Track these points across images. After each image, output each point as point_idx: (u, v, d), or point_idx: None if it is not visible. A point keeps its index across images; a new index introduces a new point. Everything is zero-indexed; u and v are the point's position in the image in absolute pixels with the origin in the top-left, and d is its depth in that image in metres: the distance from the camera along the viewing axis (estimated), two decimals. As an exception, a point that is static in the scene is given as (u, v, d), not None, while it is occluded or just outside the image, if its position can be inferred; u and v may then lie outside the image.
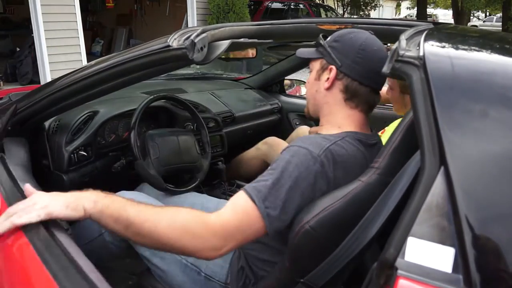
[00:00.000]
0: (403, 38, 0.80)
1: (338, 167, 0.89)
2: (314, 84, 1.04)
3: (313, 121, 2.19)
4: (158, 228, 0.79)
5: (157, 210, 0.83)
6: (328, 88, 1.00)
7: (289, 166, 0.86)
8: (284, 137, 1.87)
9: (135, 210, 0.81)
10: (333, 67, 0.99)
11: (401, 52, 0.74)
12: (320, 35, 1.05)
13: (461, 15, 17.08)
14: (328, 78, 0.99)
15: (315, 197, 0.86)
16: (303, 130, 1.88)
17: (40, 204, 0.80)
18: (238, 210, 0.82)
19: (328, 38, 1.03)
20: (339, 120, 1.00)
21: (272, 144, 1.78)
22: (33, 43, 5.49)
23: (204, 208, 1.10)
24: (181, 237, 0.79)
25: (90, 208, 0.81)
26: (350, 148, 0.93)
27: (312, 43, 1.46)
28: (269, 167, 0.90)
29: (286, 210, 0.83)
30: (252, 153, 1.86)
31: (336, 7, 15.93)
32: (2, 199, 0.96)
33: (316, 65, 1.04)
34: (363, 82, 0.97)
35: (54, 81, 1.23)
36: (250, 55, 2.35)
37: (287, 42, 1.68)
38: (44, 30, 5.29)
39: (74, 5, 5.61)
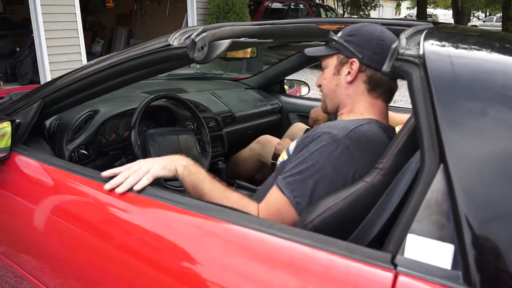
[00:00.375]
0: (403, 37, 0.80)
1: (364, 149, 0.90)
2: (333, 79, 1.05)
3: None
4: None
5: (225, 194, 0.95)
6: (351, 82, 1.02)
7: (312, 155, 0.91)
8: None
9: (209, 187, 0.96)
10: (355, 60, 1.00)
11: (401, 51, 0.74)
12: (331, 31, 1.07)
13: (461, 15, 17.08)
14: (349, 72, 1.01)
15: (347, 180, 0.89)
16: (298, 126, 1.88)
17: (144, 169, 0.93)
18: (272, 204, 0.92)
19: (340, 34, 1.05)
20: (362, 108, 1.02)
21: (265, 143, 1.78)
22: (33, 43, 5.49)
23: None
24: None
25: (180, 171, 0.97)
26: (376, 131, 0.94)
27: (312, 42, 1.46)
28: (296, 155, 0.94)
29: (315, 197, 0.89)
30: (246, 153, 1.87)
31: (336, 7, 15.93)
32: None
33: (332, 61, 1.06)
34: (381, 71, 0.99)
35: (54, 81, 1.23)
36: (249, 55, 2.35)
37: (287, 42, 1.68)
38: (44, 30, 5.29)
39: (74, 5, 5.61)
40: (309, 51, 1.12)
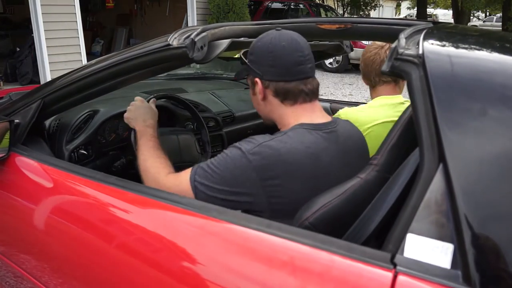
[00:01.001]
0: (402, 36, 0.80)
1: (275, 165, 0.89)
2: (254, 100, 1.07)
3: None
4: (147, 181, 1.08)
5: (151, 160, 1.09)
6: (263, 99, 1.02)
7: (222, 158, 0.93)
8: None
9: (146, 160, 1.10)
10: (257, 79, 1.00)
11: (401, 51, 0.74)
12: (241, 53, 1.07)
13: (461, 15, 17.08)
14: (259, 90, 1.01)
15: (243, 188, 0.90)
16: None
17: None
18: (179, 180, 0.98)
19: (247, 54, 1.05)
20: (288, 119, 1.01)
21: None
22: (33, 43, 5.50)
23: None
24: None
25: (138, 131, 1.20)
26: (293, 140, 0.92)
27: (312, 42, 1.46)
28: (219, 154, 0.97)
29: (211, 188, 0.91)
30: None
31: (336, 7, 15.93)
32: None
33: (249, 83, 1.07)
34: (287, 79, 0.98)
35: (53, 81, 1.23)
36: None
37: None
38: (44, 30, 5.30)
39: (74, 5, 5.61)
40: (236, 75, 1.14)
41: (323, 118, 1.02)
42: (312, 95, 1.01)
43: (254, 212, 0.90)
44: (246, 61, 1.03)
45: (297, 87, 0.98)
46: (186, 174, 0.96)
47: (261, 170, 0.89)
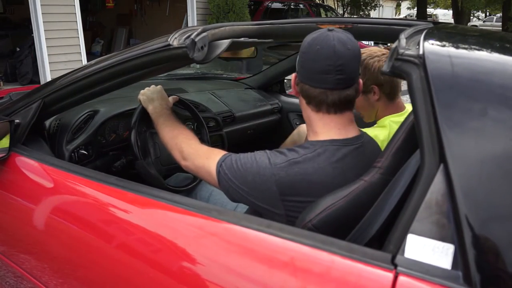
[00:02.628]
0: (402, 37, 0.80)
1: (296, 189, 0.89)
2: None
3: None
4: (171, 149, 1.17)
5: (179, 131, 1.19)
6: (296, 93, 1.03)
7: (252, 160, 0.93)
8: (284, 137, 1.86)
9: (169, 135, 1.18)
10: (294, 74, 1.02)
11: (401, 51, 0.74)
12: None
13: (461, 15, 17.08)
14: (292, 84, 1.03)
15: (262, 196, 0.91)
16: (303, 128, 1.87)
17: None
18: (210, 152, 1.04)
19: None
20: (316, 127, 0.99)
21: (302, 132, 1.77)
22: (33, 43, 5.49)
23: (212, 197, 1.47)
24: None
25: (150, 110, 1.29)
26: (321, 160, 0.91)
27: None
28: (250, 153, 0.98)
29: (232, 182, 0.94)
30: (288, 141, 1.85)
31: (336, 7, 15.93)
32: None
33: None
34: (312, 85, 0.95)
35: (53, 81, 1.23)
36: (244, 55, 2.33)
37: (287, 42, 1.69)
38: (44, 30, 5.30)
39: (74, 5, 5.61)
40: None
41: (353, 131, 0.99)
42: (337, 107, 0.96)
43: (270, 216, 0.91)
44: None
45: (320, 96, 0.95)
46: (218, 154, 0.99)
47: (283, 186, 0.89)
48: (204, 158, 1.03)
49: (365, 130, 1.35)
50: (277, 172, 0.89)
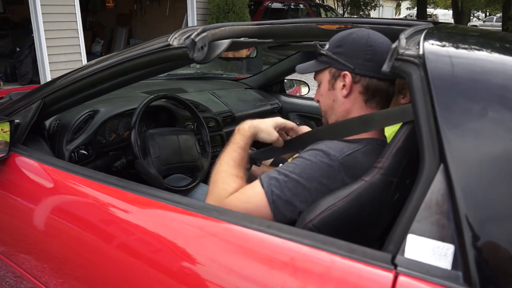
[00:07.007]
0: (402, 37, 0.80)
1: (355, 175, 0.87)
2: (329, 95, 1.00)
3: (313, 120, 2.20)
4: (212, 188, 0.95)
5: (223, 168, 0.97)
6: (347, 95, 0.97)
7: (304, 164, 0.88)
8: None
9: (219, 171, 0.96)
10: (347, 72, 0.96)
11: (401, 51, 0.74)
12: (318, 45, 1.03)
13: (461, 15, 17.07)
14: (344, 85, 0.97)
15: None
16: (303, 130, 1.87)
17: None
18: (247, 193, 0.89)
19: (327, 46, 1.00)
20: None
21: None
22: (33, 43, 5.49)
23: None
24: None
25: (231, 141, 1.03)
26: (366, 161, 0.90)
27: (312, 43, 1.46)
28: (289, 162, 0.93)
29: (293, 203, 0.86)
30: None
31: (336, 7, 15.93)
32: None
33: (324, 76, 1.01)
34: (381, 77, 0.95)
35: (53, 81, 1.23)
36: (244, 55, 2.33)
37: (287, 42, 1.68)
38: (44, 30, 5.29)
39: (74, 5, 5.61)
40: (300, 69, 1.08)
41: (383, 133, 1.01)
42: (389, 103, 0.99)
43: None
44: (328, 53, 0.98)
45: (387, 88, 0.96)
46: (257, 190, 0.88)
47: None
48: (239, 194, 0.91)
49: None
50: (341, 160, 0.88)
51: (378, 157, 0.90)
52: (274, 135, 1.02)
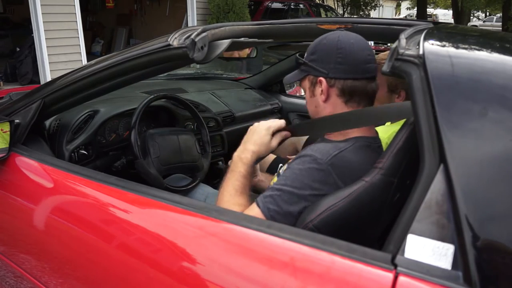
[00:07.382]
0: (402, 37, 0.80)
1: (346, 175, 0.89)
2: (312, 101, 1.04)
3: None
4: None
5: (228, 190, 0.99)
6: (326, 100, 1.00)
7: (294, 174, 0.90)
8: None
9: (222, 202, 0.98)
10: (322, 78, 0.98)
11: (401, 51, 0.74)
12: (297, 55, 1.05)
13: (461, 15, 17.07)
14: (322, 91, 0.99)
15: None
16: None
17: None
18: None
19: (305, 55, 1.03)
20: None
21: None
22: (33, 43, 5.49)
23: (208, 200, 1.45)
24: None
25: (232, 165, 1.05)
26: (359, 156, 0.92)
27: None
28: (280, 175, 0.95)
29: (292, 213, 0.88)
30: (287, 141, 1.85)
31: (336, 7, 15.92)
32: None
33: (305, 84, 1.04)
34: (355, 77, 0.96)
35: (53, 81, 1.23)
36: (246, 55, 2.33)
37: (287, 42, 1.69)
38: (44, 30, 5.29)
39: (74, 5, 5.61)
40: (286, 79, 1.12)
41: (374, 130, 1.02)
42: (373, 100, 1.00)
43: None
44: (305, 62, 1.01)
45: (365, 86, 0.97)
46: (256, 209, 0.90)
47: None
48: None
49: (386, 125, 1.36)
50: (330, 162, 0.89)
51: (369, 153, 0.93)
52: (274, 146, 1.06)
